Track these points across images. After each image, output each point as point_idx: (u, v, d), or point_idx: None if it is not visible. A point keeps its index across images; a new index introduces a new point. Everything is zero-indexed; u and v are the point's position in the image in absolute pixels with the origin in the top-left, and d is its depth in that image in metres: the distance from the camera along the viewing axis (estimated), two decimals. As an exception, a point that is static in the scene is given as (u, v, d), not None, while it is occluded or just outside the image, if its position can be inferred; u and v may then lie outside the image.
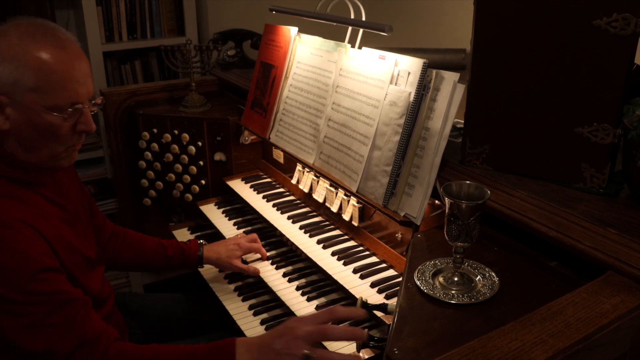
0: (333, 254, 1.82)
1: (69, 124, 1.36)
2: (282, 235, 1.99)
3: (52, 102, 1.31)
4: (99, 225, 1.78)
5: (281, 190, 2.28)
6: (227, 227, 2.19)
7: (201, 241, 1.95)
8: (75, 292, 1.32)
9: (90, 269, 1.53)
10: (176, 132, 2.43)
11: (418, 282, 1.28)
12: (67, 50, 1.33)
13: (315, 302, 1.72)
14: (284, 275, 1.86)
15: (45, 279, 1.25)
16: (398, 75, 1.66)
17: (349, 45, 1.88)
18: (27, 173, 1.37)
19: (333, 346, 1.55)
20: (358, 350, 1.35)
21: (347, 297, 1.70)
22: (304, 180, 2.10)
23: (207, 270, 2.01)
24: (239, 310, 1.81)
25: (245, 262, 1.94)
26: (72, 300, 1.29)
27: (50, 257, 1.29)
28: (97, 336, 1.29)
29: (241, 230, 2.14)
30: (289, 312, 1.74)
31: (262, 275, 1.88)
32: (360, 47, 1.86)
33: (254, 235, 2.00)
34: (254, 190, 2.29)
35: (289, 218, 2.05)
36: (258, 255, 1.98)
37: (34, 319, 1.22)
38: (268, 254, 1.98)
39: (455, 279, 1.28)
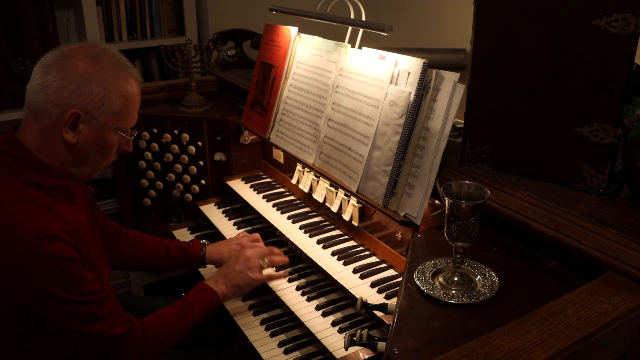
0: (333, 254, 1.82)
1: (118, 144, 1.49)
2: (282, 235, 1.99)
3: (122, 125, 1.45)
4: (101, 226, 1.78)
5: (281, 190, 2.28)
6: (227, 227, 2.19)
7: (204, 241, 1.95)
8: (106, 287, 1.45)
9: (101, 271, 1.55)
10: (176, 132, 2.43)
11: (418, 282, 1.28)
12: (139, 82, 1.51)
13: (315, 302, 1.72)
14: (284, 275, 1.86)
15: (93, 280, 1.36)
16: (398, 75, 1.66)
17: (349, 45, 1.88)
18: (59, 181, 1.42)
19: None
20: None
21: (347, 297, 1.70)
22: (304, 180, 2.10)
23: (208, 271, 2.01)
24: (239, 310, 1.81)
25: None
26: (110, 294, 1.43)
27: (89, 262, 1.39)
28: (130, 317, 1.46)
29: (242, 230, 2.14)
30: (288, 312, 1.74)
31: (262, 275, 1.89)
32: (360, 47, 1.86)
33: (256, 235, 1.99)
34: (254, 190, 2.29)
35: (289, 218, 2.05)
36: None
37: (92, 314, 1.35)
38: (267, 247, 1.97)
39: (455, 279, 1.28)
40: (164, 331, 1.53)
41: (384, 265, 1.75)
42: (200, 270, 2.01)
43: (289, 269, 1.89)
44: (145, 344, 1.46)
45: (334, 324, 1.63)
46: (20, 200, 1.31)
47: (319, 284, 1.81)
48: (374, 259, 1.79)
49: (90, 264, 1.41)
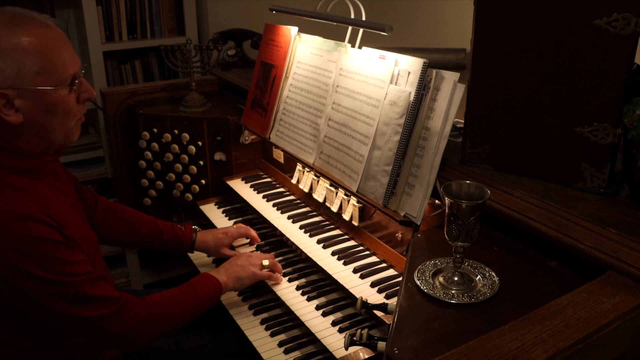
0: (333, 253, 1.82)
1: (74, 97, 1.41)
2: (282, 235, 1.99)
3: (57, 80, 1.35)
4: (90, 203, 1.82)
5: (281, 190, 2.28)
6: (227, 226, 2.19)
7: (195, 227, 2.02)
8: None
9: (96, 252, 1.59)
10: (176, 131, 2.43)
11: (418, 282, 1.28)
12: (52, 28, 1.37)
13: (315, 302, 1.72)
14: (284, 275, 1.86)
15: (81, 261, 1.36)
16: (398, 75, 1.66)
17: (349, 45, 1.88)
18: (36, 161, 1.41)
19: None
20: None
21: (347, 297, 1.70)
22: (304, 180, 2.10)
23: (205, 268, 2.02)
24: (240, 310, 1.82)
25: (233, 248, 2.03)
26: (102, 276, 1.41)
27: (75, 243, 1.38)
28: (129, 296, 1.45)
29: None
30: (288, 312, 1.74)
31: (262, 275, 1.89)
32: (360, 47, 1.86)
33: (250, 233, 2.03)
34: (254, 190, 2.29)
35: (289, 218, 2.05)
36: (246, 241, 2.03)
37: (81, 295, 1.34)
38: (268, 254, 1.97)
39: (455, 278, 1.28)
40: (167, 309, 1.52)
41: (384, 265, 1.75)
42: (199, 268, 2.02)
43: (289, 269, 1.89)
44: (150, 320, 1.46)
45: (334, 323, 1.63)
46: None
47: (319, 284, 1.81)
48: (374, 258, 1.79)
49: (78, 245, 1.40)
